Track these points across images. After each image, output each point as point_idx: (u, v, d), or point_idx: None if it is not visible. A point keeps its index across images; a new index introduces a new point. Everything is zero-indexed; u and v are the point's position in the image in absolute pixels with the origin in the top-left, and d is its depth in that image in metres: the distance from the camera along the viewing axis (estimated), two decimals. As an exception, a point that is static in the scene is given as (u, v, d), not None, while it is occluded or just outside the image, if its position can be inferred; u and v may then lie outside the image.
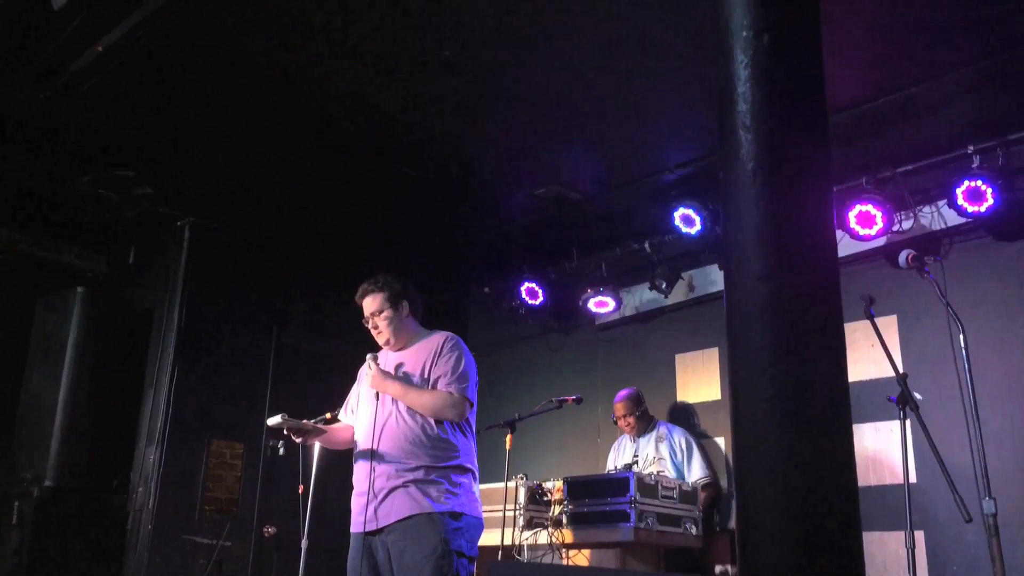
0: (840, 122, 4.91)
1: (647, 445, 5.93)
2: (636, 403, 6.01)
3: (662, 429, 5.98)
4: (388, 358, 3.74)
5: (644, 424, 6.00)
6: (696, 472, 5.73)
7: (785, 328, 1.70)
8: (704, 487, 5.63)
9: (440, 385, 3.53)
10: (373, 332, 3.71)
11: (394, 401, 3.54)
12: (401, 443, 3.46)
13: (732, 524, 5.84)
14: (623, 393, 6.07)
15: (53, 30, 4.42)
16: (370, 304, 3.68)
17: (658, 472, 5.51)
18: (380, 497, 3.41)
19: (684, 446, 5.84)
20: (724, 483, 5.97)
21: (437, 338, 3.68)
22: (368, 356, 3.66)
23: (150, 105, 5.19)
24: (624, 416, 5.96)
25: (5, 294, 6.46)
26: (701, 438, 6.15)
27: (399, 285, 3.70)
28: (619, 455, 6.11)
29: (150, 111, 5.26)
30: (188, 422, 6.15)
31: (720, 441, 6.15)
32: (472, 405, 3.59)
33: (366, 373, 3.68)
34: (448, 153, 5.80)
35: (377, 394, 3.58)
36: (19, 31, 4.49)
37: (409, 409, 3.50)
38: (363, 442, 3.57)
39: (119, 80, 4.80)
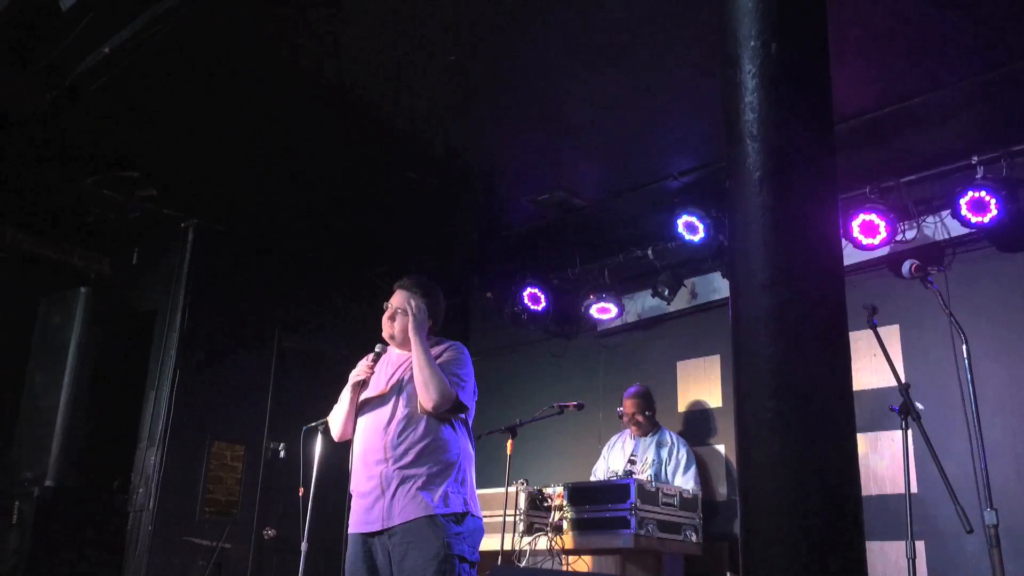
0: (844, 131, 4.91)
1: (648, 448, 5.86)
2: (647, 403, 5.97)
3: (666, 436, 5.91)
4: (391, 356, 3.77)
5: (649, 426, 5.95)
6: (687, 485, 5.57)
7: (790, 337, 1.71)
8: None
9: None
10: (386, 321, 3.72)
11: (399, 403, 3.55)
12: (406, 444, 3.47)
13: (732, 530, 5.83)
14: (635, 390, 6.00)
15: (60, 31, 4.42)
16: (400, 299, 3.71)
17: (652, 475, 5.47)
18: (383, 498, 3.41)
19: (684, 459, 5.75)
20: (724, 491, 5.96)
21: (443, 346, 3.73)
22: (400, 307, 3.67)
23: (156, 107, 5.20)
24: (633, 415, 5.90)
25: (8, 293, 6.46)
26: (701, 445, 6.15)
27: (433, 300, 3.75)
28: (614, 453, 6.04)
29: (156, 113, 5.27)
30: (189, 424, 6.16)
31: (721, 448, 6.15)
32: (467, 409, 3.61)
33: (382, 362, 3.71)
34: (452, 158, 5.80)
35: (384, 396, 3.60)
36: (26, 31, 4.50)
37: (415, 411, 3.52)
38: (367, 442, 3.57)
39: (125, 81, 4.81)
